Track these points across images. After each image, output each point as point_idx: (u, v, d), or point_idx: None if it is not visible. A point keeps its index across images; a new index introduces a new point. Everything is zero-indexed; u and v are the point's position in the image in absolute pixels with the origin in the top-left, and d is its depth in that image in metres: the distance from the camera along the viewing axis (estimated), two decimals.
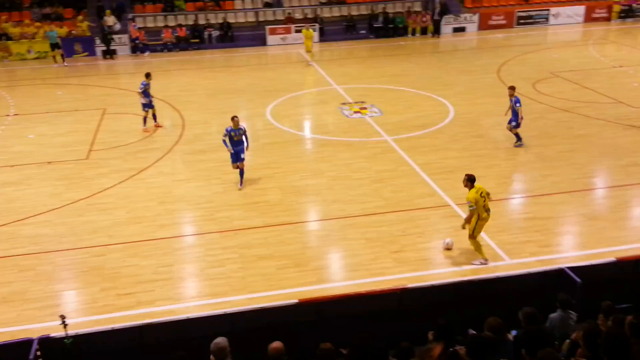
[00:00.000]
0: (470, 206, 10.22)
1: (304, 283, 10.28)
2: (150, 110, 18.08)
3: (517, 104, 15.43)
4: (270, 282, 10.39)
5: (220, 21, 30.75)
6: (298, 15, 31.58)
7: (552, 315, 7.33)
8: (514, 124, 15.63)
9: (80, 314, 9.67)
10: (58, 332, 7.31)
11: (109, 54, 28.50)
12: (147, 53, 29.11)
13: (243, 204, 13.27)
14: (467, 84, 22.21)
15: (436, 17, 31.57)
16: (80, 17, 29.74)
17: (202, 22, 30.72)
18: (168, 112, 19.95)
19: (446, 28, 31.98)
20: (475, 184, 10.42)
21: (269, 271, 10.69)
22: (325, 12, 32.28)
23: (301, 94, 22.15)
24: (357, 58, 27.78)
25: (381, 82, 22.88)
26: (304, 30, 27.14)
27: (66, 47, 28.55)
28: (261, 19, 31.65)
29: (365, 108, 19.70)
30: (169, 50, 29.51)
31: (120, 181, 14.62)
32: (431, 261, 10.96)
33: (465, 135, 16.83)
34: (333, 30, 31.73)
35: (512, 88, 15.70)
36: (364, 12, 32.34)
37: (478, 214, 10.36)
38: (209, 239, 11.87)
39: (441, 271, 10.62)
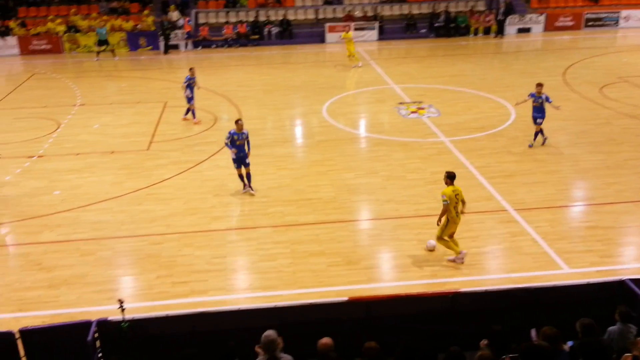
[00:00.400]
0: (444, 200, 10.25)
1: (354, 281, 10.26)
2: (191, 105, 18.41)
3: (548, 101, 15.35)
4: (320, 278, 10.42)
5: (280, 18, 31.07)
6: (358, 13, 31.51)
7: (611, 328, 7.06)
8: (540, 120, 15.54)
9: (137, 299, 9.96)
10: (115, 316, 7.55)
11: (168, 48, 29.15)
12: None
13: (296, 200, 13.35)
14: (530, 86, 21.45)
15: (500, 17, 30.86)
16: (145, 12, 30.65)
17: (262, 18, 31.11)
18: (225, 107, 20.31)
19: (510, 29, 31.23)
20: (455, 185, 10.42)
21: (319, 267, 10.73)
22: (386, 10, 32.07)
23: (358, 92, 22.10)
24: (416, 57, 27.47)
25: (440, 82, 22.56)
26: (343, 34, 26.66)
27: (131, 41, 29.53)
28: (320, 16, 31.79)
29: (422, 108, 19.46)
30: (229, 45, 30.03)
31: (178, 173, 14.97)
32: (484, 266, 10.73)
33: (525, 139, 16.36)
34: (393, 29, 31.49)
35: (540, 85, 15.61)
36: (425, 11, 31.99)
37: (448, 215, 10.34)
38: (261, 233, 12.00)
39: (494, 277, 10.39)
